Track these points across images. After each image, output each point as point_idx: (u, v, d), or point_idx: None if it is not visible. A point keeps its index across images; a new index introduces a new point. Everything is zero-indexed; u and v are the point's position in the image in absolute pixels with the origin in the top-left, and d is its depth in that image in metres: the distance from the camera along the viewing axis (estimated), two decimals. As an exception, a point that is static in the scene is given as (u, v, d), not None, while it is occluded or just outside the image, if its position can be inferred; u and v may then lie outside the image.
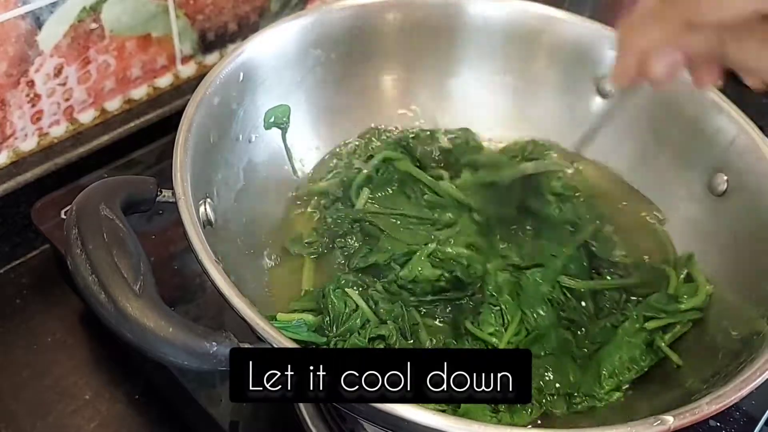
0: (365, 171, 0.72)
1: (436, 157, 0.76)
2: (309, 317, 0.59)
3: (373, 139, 0.77)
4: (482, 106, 0.80)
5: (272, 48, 0.69)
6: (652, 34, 0.46)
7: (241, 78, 0.66)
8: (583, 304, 0.64)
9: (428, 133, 0.77)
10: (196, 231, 0.51)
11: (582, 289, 0.64)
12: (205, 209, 0.58)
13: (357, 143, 0.77)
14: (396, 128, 0.79)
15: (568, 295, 0.64)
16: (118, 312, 0.44)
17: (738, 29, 0.42)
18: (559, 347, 0.61)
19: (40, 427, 0.68)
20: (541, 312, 0.62)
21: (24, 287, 0.79)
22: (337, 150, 0.77)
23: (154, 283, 0.47)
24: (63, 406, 0.70)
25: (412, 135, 0.77)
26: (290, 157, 0.73)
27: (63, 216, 0.76)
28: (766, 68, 0.43)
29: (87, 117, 0.84)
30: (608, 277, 0.66)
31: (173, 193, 0.53)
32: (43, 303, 0.78)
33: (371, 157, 0.73)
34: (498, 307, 0.62)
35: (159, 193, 0.55)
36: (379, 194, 0.72)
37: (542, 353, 0.61)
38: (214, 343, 0.45)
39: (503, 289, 0.63)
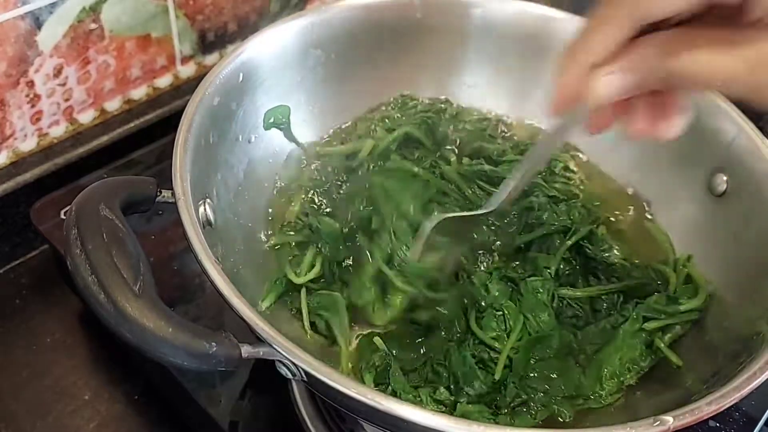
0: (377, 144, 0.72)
1: (453, 139, 0.76)
2: None
3: (396, 110, 0.77)
4: (483, 107, 0.80)
5: (272, 48, 0.69)
6: (596, 44, 0.43)
7: (240, 78, 0.66)
8: (581, 306, 0.64)
9: (454, 112, 0.78)
10: (196, 231, 0.51)
11: (579, 296, 0.64)
12: (205, 209, 0.58)
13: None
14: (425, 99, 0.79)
15: (567, 300, 0.64)
16: (118, 312, 0.44)
17: (685, 36, 0.40)
18: (563, 349, 0.61)
19: (40, 427, 0.68)
20: (544, 316, 0.62)
21: (23, 287, 0.79)
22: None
23: (154, 283, 0.47)
24: (62, 407, 0.70)
25: (441, 107, 0.77)
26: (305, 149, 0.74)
27: (62, 216, 0.76)
28: (716, 73, 0.40)
29: (87, 117, 0.84)
30: (605, 280, 0.66)
31: (173, 194, 0.53)
32: (43, 303, 0.78)
33: (392, 130, 0.74)
34: (500, 312, 0.62)
35: (159, 194, 0.55)
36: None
37: (546, 356, 0.60)
38: (213, 343, 0.45)
39: (502, 297, 0.63)
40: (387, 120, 0.75)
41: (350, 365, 0.60)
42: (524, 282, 0.63)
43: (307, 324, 0.62)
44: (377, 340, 0.61)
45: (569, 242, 0.66)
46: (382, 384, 0.59)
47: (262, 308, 0.62)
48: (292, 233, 0.67)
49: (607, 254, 0.67)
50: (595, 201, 0.73)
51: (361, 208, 0.67)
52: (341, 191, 0.70)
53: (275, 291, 0.63)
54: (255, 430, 0.67)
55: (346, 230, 0.66)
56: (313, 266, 0.65)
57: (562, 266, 0.66)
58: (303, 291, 0.63)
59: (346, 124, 0.77)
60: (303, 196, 0.70)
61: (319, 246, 0.65)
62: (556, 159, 0.75)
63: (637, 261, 0.68)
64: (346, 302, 0.62)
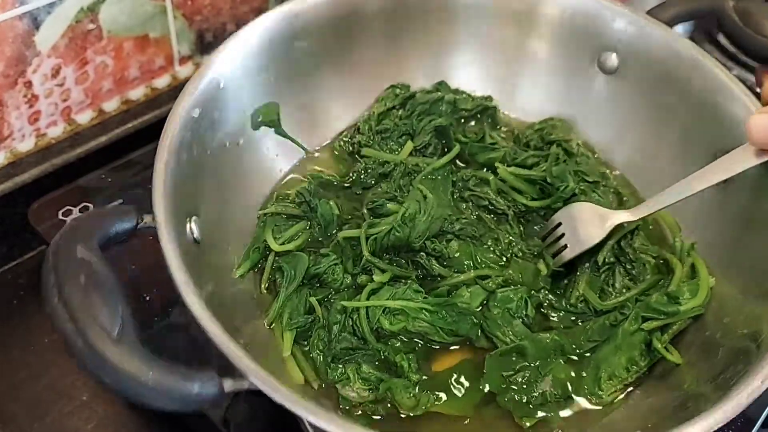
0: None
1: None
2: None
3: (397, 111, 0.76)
4: (479, 87, 0.79)
5: (252, 47, 0.68)
6: None
7: (221, 85, 0.65)
8: (580, 306, 0.64)
9: (452, 99, 0.76)
10: (179, 264, 0.51)
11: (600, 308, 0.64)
12: (191, 227, 0.58)
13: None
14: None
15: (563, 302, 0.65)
16: (98, 359, 0.44)
17: None
18: (548, 353, 0.61)
19: (38, 427, 0.68)
20: (515, 327, 0.61)
21: (21, 288, 0.79)
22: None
23: (134, 325, 0.47)
24: (60, 407, 0.70)
25: (439, 96, 0.76)
26: (299, 144, 0.74)
27: (60, 217, 0.76)
28: None
29: (85, 118, 0.84)
30: (636, 279, 0.65)
31: (154, 218, 0.53)
32: (41, 304, 0.77)
33: (407, 136, 0.73)
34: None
35: (140, 220, 0.54)
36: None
37: (526, 365, 0.60)
38: (195, 385, 0.45)
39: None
40: (396, 126, 0.74)
41: (276, 321, 0.61)
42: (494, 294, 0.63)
43: (265, 278, 0.64)
44: (312, 299, 0.61)
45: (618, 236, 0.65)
46: (301, 342, 0.60)
47: (236, 276, 0.63)
48: (288, 204, 0.68)
49: (644, 254, 0.66)
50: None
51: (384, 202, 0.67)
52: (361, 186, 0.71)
53: (250, 259, 0.64)
54: (253, 430, 0.67)
55: (347, 217, 0.67)
56: (294, 239, 0.66)
57: (606, 257, 0.65)
58: (272, 254, 0.64)
59: (347, 127, 0.77)
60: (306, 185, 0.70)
61: (310, 224, 0.67)
62: (567, 140, 0.74)
63: (654, 253, 0.67)
64: (310, 267, 0.63)
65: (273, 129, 0.71)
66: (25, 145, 0.80)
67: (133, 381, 0.44)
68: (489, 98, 0.78)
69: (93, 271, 0.48)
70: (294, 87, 0.72)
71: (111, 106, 0.85)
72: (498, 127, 0.78)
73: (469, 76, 0.79)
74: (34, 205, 0.78)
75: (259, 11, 0.92)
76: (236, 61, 0.67)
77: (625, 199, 0.70)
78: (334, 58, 0.74)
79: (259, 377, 0.46)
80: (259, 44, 0.69)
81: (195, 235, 0.58)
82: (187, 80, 0.89)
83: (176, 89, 0.90)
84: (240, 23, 0.91)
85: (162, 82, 0.89)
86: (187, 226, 0.57)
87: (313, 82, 0.74)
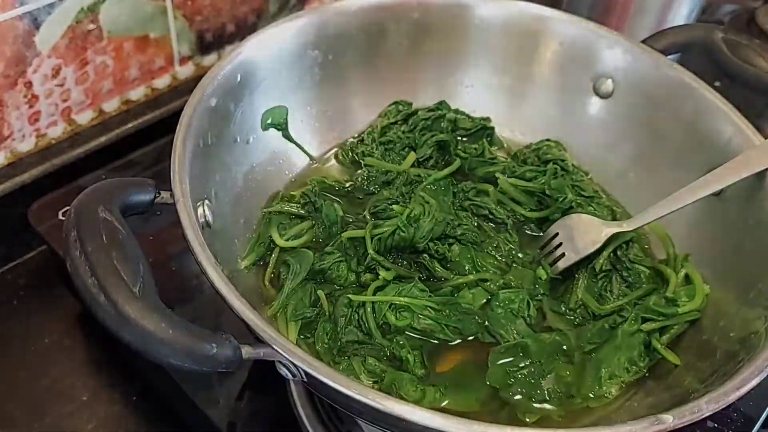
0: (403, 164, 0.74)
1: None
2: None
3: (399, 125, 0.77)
4: (480, 108, 0.80)
5: (270, 49, 0.69)
6: None
7: (239, 79, 0.66)
8: (578, 311, 0.65)
9: (453, 118, 0.78)
10: (196, 233, 0.51)
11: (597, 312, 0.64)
12: (203, 211, 0.58)
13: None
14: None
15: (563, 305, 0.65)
16: (118, 314, 0.44)
17: None
18: (550, 352, 0.61)
19: (38, 428, 0.68)
20: (518, 326, 0.62)
21: (21, 288, 0.79)
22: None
23: (154, 284, 0.47)
24: (60, 408, 0.70)
25: (440, 114, 0.77)
26: (304, 150, 0.74)
27: (60, 217, 0.76)
28: None
29: (85, 118, 0.84)
30: (632, 286, 0.66)
31: (171, 195, 0.53)
32: (40, 304, 0.78)
33: (409, 149, 0.74)
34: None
35: (157, 195, 0.54)
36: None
37: (527, 362, 0.60)
38: (214, 345, 0.45)
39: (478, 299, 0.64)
40: (399, 138, 0.76)
41: (279, 312, 0.61)
42: (497, 295, 0.63)
43: (269, 272, 0.64)
44: (320, 292, 0.62)
45: (615, 244, 0.66)
46: (305, 336, 0.60)
47: (242, 266, 0.64)
48: (293, 204, 0.68)
49: (638, 265, 0.67)
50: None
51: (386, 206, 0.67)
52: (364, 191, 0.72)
53: (255, 253, 0.65)
54: (253, 431, 0.67)
55: (350, 219, 0.68)
56: (299, 237, 0.66)
57: (603, 264, 0.66)
58: (277, 249, 0.65)
59: (348, 138, 0.78)
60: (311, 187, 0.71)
61: (314, 224, 0.67)
62: (563, 159, 0.75)
63: (648, 264, 0.67)
64: (315, 263, 0.63)
65: (281, 132, 0.72)
66: (25, 145, 0.80)
67: (153, 337, 0.44)
68: (487, 119, 0.80)
69: (114, 230, 0.48)
70: (303, 95, 0.74)
71: (111, 106, 0.85)
72: (495, 147, 0.79)
73: (472, 93, 0.81)
74: (34, 205, 0.78)
75: (259, 12, 0.92)
76: (256, 60, 0.68)
77: (618, 217, 0.72)
78: (345, 70, 0.76)
79: (277, 343, 0.46)
80: (280, 47, 0.70)
81: (207, 218, 0.58)
82: (187, 80, 0.91)
83: (176, 89, 0.90)
84: (240, 24, 0.92)
85: (162, 82, 0.89)
86: (200, 209, 0.57)
87: (322, 92, 0.75)
